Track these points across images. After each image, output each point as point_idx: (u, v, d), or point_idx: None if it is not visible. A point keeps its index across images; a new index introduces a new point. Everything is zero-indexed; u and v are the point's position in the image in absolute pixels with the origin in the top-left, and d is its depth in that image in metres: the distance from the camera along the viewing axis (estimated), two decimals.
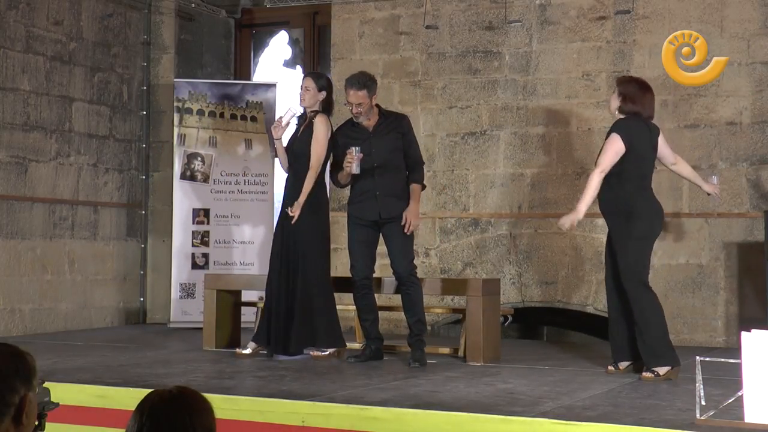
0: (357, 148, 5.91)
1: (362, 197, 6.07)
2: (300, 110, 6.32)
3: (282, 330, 6.10)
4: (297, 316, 6.07)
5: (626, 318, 5.48)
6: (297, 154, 6.20)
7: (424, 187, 6.20)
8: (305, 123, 6.25)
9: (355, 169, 5.91)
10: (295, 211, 6.03)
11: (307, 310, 6.08)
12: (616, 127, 5.47)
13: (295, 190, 6.14)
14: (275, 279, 6.15)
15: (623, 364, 5.54)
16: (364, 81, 6.07)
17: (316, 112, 6.20)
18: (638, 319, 5.37)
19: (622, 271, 5.44)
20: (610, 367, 5.57)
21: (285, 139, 6.30)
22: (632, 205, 5.39)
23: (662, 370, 5.28)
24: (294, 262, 6.10)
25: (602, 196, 5.49)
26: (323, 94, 6.20)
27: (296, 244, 6.09)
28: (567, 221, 5.51)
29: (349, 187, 6.27)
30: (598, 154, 5.56)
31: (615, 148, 5.41)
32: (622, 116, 5.52)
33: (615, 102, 5.56)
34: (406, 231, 5.99)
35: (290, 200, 6.17)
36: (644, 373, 5.31)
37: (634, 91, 5.52)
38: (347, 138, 6.07)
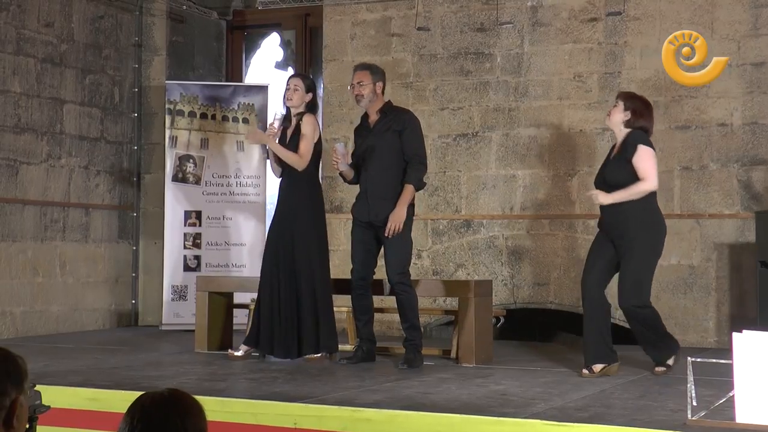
0: (340, 144, 5.93)
1: (358, 197, 6.07)
2: (284, 110, 6.28)
3: (284, 334, 6.05)
4: (302, 321, 6.03)
5: (602, 320, 5.51)
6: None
7: (420, 187, 6.04)
8: (293, 126, 6.20)
9: (341, 166, 5.90)
10: (253, 136, 6.22)
11: (312, 315, 6.04)
12: (642, 139, 5.46)
13: (290, 194, 6.12)
14: (271, 283, 6.10)
15: (597, 367, 5.49)
16: (369, 64, 6.19)
17: (302, 114, 6.17)
18: (639, 330, 5.52)
19: (626, 290, 5.42)
20: (585, 371, 5.50)
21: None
22: (654, 219, 5.47)
23: (670, 362, 5.52)
24: (295, 264, 6.04)
25: (625, 210, 5.42)
26: (310, 95, 6.19)
27: (297, 247, 6.05)
28: (596, 194, 5.49)
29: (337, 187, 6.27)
30: (617, 170, 5.48)
31: (654, 160, 5.45)
32: (627, 129, 5.53)
33: (619, 115, 5.56)
34: (386, 234, 5.86)
35: (286, 205, 6.14)
36: (657, 368, 5.52)
37: (642, 108, 5.58)
38: (355, 134, 6.08)
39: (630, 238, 5.41)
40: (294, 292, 6.04)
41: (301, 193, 6.12)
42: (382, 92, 6.08)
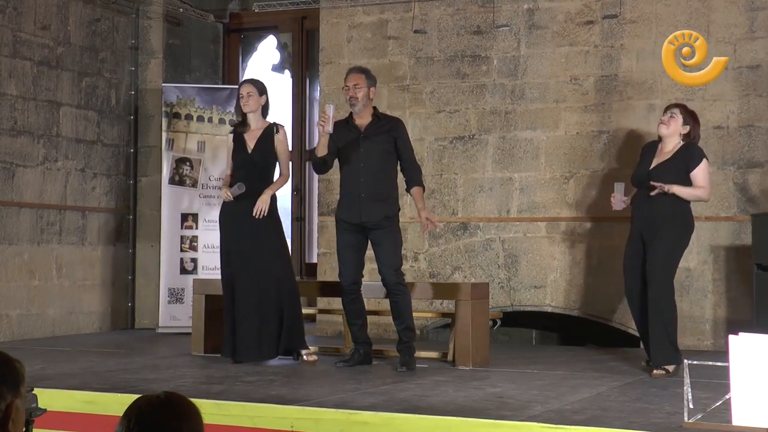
0: (332, 105, 5.91)
1: (346, 199, 6.04)
2: (239, 117, 6.42)
3: (261, 335, 6.11)
4: (277, 320, 6.11)
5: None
6: (254, 164, 6.21)
7: (423, 189, 6.15)
8: (258, 132, 6.25)
9: (328, 128, 5.81)
10: (263, 204, 6.07)
11: (282, 314, 6.13)
12: (703, 154, 5.86)
13: (252, 198, 6.11)
14: (232, 285, 6.15)
15: (670, 367, 5.70)
16: (364, 68, 6.22)
17: (275, 125, 6.31)
18: (656, 322, 5.65)
19: (655, 278, 5.66)
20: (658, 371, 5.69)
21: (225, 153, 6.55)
22: (688, 218, 5.81)
23: (671, 368, 5.59)
24: (261, 265, 6.09)
25: (663, 206, 5.71)
26: (264, 97, 6.34)
27: (260, 248, 6.10)
28: (662, 186, 5.71)
29: (338, 191, 6.26)
30: (669, 174, 5.75)
31: (709, 175, 5.90)
32: (682, 141, 5.85)
33: (677, 127, 5.86)
34: (429, 229, 6.05)
35: (244, 208, 6.11)
36: (655, 371, 5.61)
37: (697, 124, 5.93)
38: (337, 136, 5.97)
39: (663, 229, 5.68)
40: (267, 293, 6.09)
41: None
42: (372, 98, 6.14)
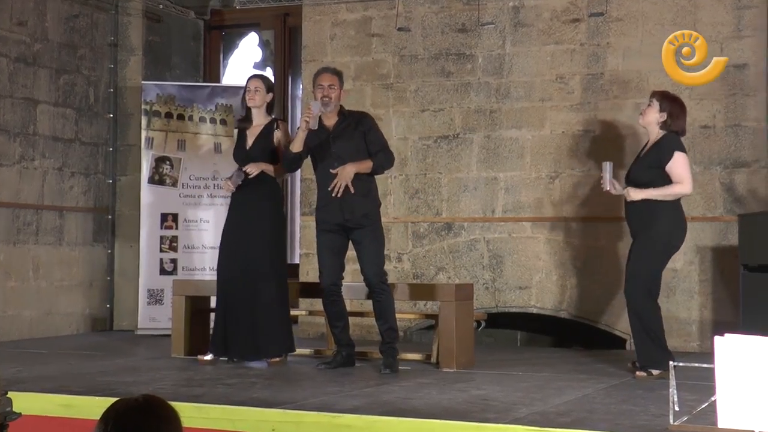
0: (318, 102, 5.90)
1: (326, 201, 5.99)
2: (243, 111, 6.38)
3: (249, 334, 6.07)
4: (264, 321, 6.05)
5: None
6: (252, 160, 6.19)
7: (380, 171, 6.04)
8: (259, 127, 6.25)
9: (312, 124, 5.83)
10: (252, 169, 6.09)
11: (273, 315, 6.08)
12: (677, 145, 5.59)
13: (252, 194, 6.13)
14: (230, 283, 6.12)
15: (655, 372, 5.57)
16: (337, 70, 6.21)
17: (276, 120, 6.32)
18: (634, 323, 5.54)
19: (632, 280, 5.54)
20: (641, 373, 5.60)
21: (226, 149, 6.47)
22: (674, 219, 5.56)
23: (656, 372, 5.45)
24: (253, 264, 6.06)
25: (648, 206, 5.54)
26: (270, 95, 6.35)
27: (257, 247, 6.07)
28: (628, 190, 5.59)
29: (316, 191, 6.19)
30: (645, 171, 5.60)
31: (688, 164, 5.61)
32: (662, 131, 5.63)
33: (655, 116, 5.65)
34: (329, 189, 5.86)
35: (246, 205, 6.16)
36: (638, 372, 5.52)
37: (678, 110, 5.68)
38: (308, 136, 5.95)
39: (647, 230, 5.52)
40: (251, 293, 6.05)
41: (263, 192, 6.17)
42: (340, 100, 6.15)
